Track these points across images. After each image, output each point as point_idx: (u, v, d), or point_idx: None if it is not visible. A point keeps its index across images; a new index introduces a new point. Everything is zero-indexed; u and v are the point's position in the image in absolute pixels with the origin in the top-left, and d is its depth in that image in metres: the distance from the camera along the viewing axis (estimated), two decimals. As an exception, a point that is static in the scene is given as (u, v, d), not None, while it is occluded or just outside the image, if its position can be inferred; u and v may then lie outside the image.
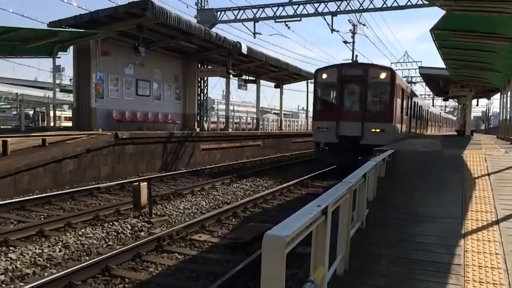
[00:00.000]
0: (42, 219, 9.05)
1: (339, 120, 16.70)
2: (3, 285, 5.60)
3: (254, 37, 25.98)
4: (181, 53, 22.39)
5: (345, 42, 39.31)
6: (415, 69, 49.56)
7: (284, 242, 2.19)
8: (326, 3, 22.90)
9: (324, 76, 17.43)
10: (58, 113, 21.97)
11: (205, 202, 11.36)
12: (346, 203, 4.00)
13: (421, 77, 35.57)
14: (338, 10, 22.93)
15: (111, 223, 8.66)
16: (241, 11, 24.73)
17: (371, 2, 22.20)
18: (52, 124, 18.52)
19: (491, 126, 47.93)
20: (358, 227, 5.23)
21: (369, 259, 4.51)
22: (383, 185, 7.84)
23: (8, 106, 39.17)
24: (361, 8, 22.75)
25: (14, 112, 28.20)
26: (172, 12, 16.19)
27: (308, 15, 23.43)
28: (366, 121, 16.31)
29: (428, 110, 31.46)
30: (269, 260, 2.21)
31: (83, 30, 15.78)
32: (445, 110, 67.75)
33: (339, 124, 16.70)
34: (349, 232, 4.23)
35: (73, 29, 15.77)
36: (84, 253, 6.96)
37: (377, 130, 16.11)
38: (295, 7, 23.53)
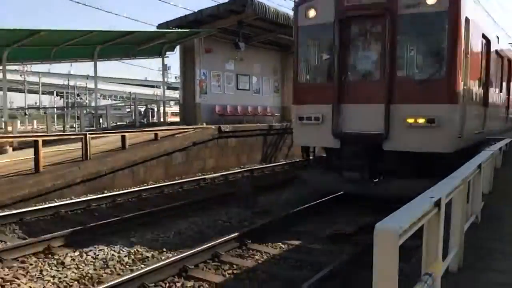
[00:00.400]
0: (157, 207, 9.81)
1: (339, 101, 8.71)
2: (127, 266, 6.20)
3: (352, 25, 25.27)
4: (279, 46, 22.57)
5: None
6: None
7: (397, 234, 2.15)
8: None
9: (312, 13, 9.08)
10: (166, 109, 23.53)
11: (306, 193, 11.41)
12: (460, 195, 3.78)
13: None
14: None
15: (217, 212, 9.13)
16: (339, 0, 24.15)
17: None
18: (162, 119, 19.94)
19: None
20: (473, 221, 4.92)
21: (485, 255, 4.22)
22: (500, 177, 7.26)
23: (123, 104, 42.96)
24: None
25: (128, 110, 30.88)
26: (270, 6, 16.47)
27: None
28: (395, 101, 8.17)
29: None
30: (381, 253, 2.18)
31: (188, 29, 16.70)
32: None
33: (340, 109, 8.73)
34: (463, 226, 4.01)
35: (180, 30, 16.77)
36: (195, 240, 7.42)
37: (420, 121, 7.97)
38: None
